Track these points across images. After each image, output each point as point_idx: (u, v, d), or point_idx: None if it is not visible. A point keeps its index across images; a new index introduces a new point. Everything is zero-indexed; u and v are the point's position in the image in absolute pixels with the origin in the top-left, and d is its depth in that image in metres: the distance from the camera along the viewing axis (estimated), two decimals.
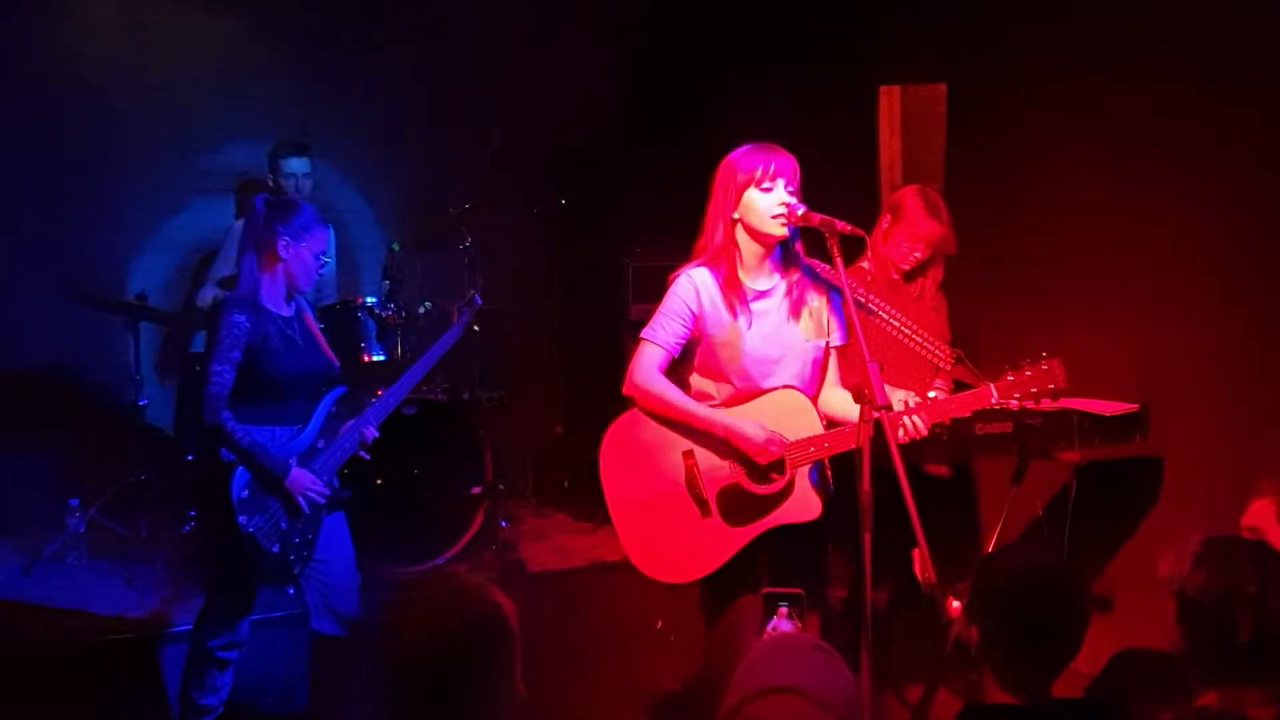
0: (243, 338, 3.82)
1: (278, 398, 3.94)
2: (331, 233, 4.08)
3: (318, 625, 4.08)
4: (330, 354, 4.13)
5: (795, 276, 3.65)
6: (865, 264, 4.47)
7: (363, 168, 6.73)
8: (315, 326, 4.14)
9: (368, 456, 4.18)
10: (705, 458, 3.56)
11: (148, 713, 4.50)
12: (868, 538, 3.23)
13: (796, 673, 2.03)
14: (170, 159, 6.39)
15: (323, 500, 3.99)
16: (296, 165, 5.92)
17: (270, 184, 5.95)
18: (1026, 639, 2.56)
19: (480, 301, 4.73)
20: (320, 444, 4.02)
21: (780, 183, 3.51)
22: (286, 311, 3.99)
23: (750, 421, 3.51)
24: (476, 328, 6.23)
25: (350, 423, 4.10)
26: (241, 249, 3.99)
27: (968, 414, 3.79)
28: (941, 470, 4.50)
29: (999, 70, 5.29)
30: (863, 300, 4.24)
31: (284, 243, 3.90)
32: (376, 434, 4.15)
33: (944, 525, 3.66)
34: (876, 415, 3.27)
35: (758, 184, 3.52)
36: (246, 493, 3.84)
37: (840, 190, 4.36)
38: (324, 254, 4.04)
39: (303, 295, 4.07)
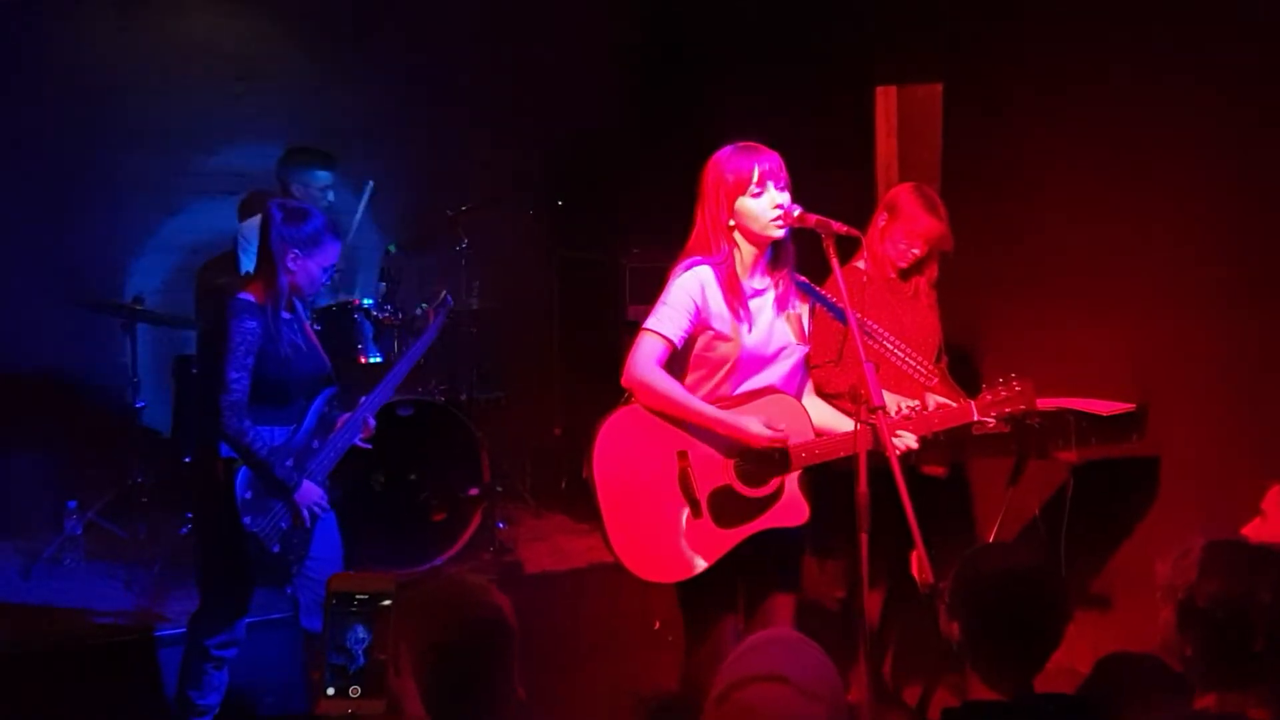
0: (255, 343, 3.82)
1: (282, 399, 3.95)
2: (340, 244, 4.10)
3: (308, 624, 4.09)
4: (324, 354, 4.14)
5: (784, 275, 3.66)
6: (860, 264, 4.48)
7: (359, 169, 6.73)
8: (310, 328, 4.16)
9: (369, 446, 4.18)
10: (699, 458, 3.55)
11: (145, 713, 4.51)
12: (865, 538, 3.24)
13: (783, 663, 2.04)
14: (168, 161, 6.39)
15: (323, 514, 4.02)
16: (324, 178, 5.86)
17: (296, 193, 5.84)
18: (1007, 635, 2.56)
19: (451, 301, 4.86)
20: (315, 444, 4.03)
21: (770, 186, 3.51)
22: (288, 315, 4.01)
23: (753, 419, 3.50)
24: (473, 329, 6.29)
25: (345, 418, 4.11)
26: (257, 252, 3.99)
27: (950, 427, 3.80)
28: (938, 471, 4.50)
29: (995, 70, 5.29)
30: (856, 318, 4.24)
31: (293, 255, 3.90)
32: (374, 422, 4.17)
33: (941, 526, 3.67)
34: (873, 418, 3.28)
35: (748, 191, 3.52)
36: (250, 494, 3.85)
37: (837, 190, 4.38)
38: (332, 267, 4.04)
39: (310, 298, 4.09)
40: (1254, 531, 3.35)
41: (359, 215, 6.20)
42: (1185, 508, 4.51)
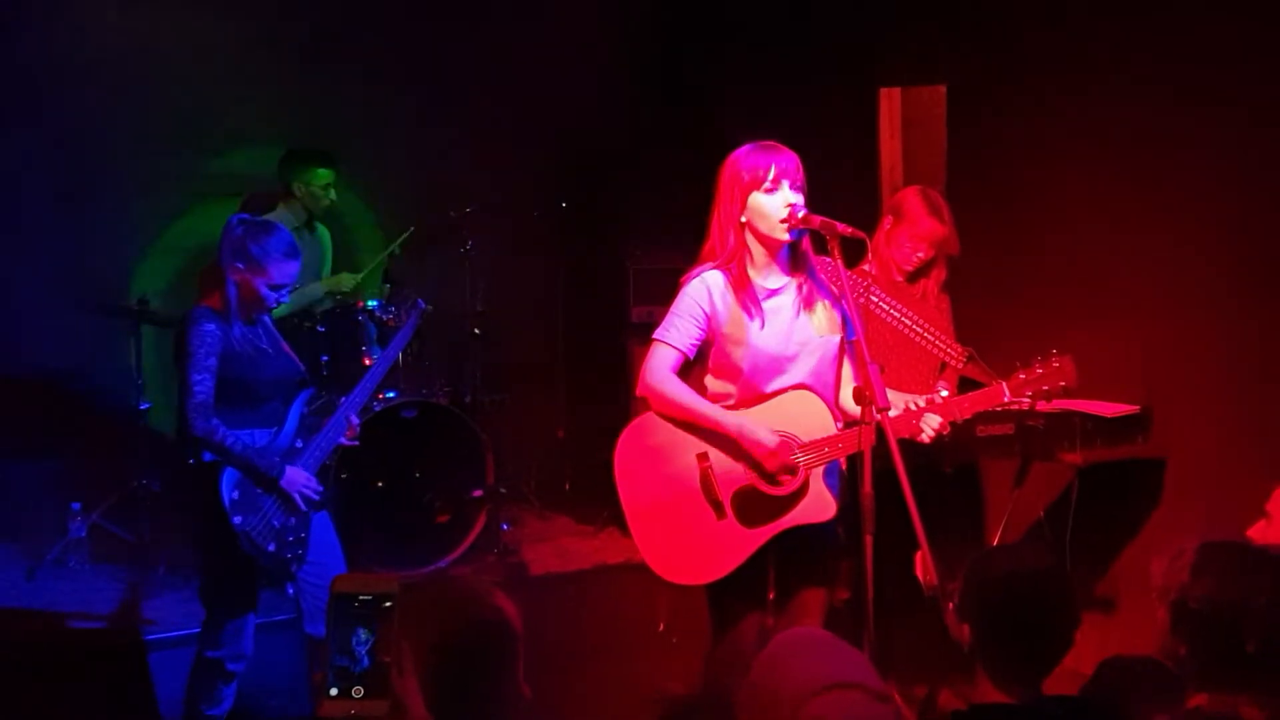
0: (216, 346, 3.83)
1: (254, 402, 3.96)
2: (299, 263, 4.06)
3: (312, 629, 4.08)
4: (295, 357, 4.14)
5: (805, 274, 3.65)
6: (867, 266, 4.48)
7: (364, 171, 6.74)
8: (276, 333, 4.14)
9: (356, 443, 4.19)
10: (719, 459, 3.55)
11: (148, 716, 4.49)
12: (869, 539, 3.24)
13: (843, 668, 2.02)
14: (173, 163, 6.40)
15: (317, 497, 4.02)
16: (325, 176, 5.89)
17: (298, 193, 5.88)
18: (1018, 638, 2.56)
19: (423, 304, 4.91)
20: (299, 444, 4.04)
21: (784, 184, 3.51)
22: (249, 321, 4.01)
23: (761, 426, 3.49)
24: (477, 331, 6.30)
25: (330, 419, 4.11)
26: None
27: (981, 411, 3.77)
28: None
29: (999, 72, 5.29)
30: (872, 298, 4.22)
31: (237, 268, 3.91)
32: (359, 420, 4.18)
33: (946, 527, 3.67)
34: (878, 417, 3.27)
35: (761, 187, 3.52)
36: (237, 493, 3.85)
37: (841, 193, 4.37)
38: (282, 288, 3.99)
39: (264, 314, 4.06)
40: (1259, 534, 3.35)
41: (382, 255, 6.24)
42: (1190, 509, 4.50)
